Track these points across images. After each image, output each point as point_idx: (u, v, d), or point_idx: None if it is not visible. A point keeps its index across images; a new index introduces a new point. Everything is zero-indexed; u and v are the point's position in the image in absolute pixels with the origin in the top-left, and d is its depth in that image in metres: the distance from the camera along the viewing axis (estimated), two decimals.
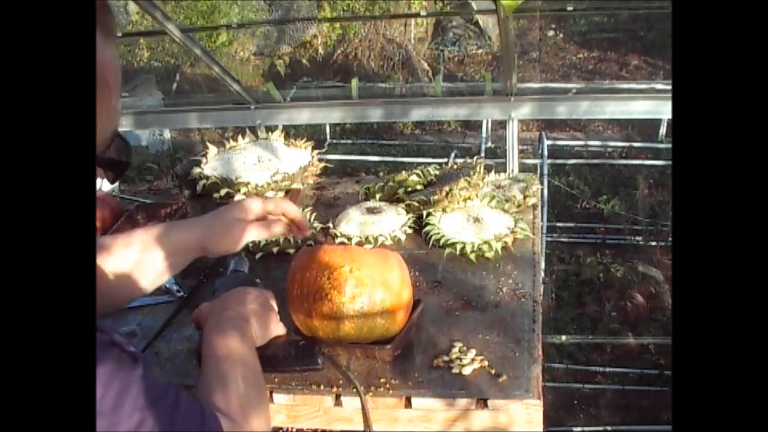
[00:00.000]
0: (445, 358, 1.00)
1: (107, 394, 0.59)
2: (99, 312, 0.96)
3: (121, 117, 0.67)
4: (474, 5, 6.44)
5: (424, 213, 1.36)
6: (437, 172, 1.51)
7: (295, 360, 0.95)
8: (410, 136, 6.41)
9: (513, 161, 2.08)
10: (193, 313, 0.96)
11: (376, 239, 1.32)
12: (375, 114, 2.25)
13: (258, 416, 0.80)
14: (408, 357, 1.02)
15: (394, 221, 1.36)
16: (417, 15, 6.75)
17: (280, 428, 1.32)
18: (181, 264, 0.98)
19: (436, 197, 1.37)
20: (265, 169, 1.49)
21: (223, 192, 1.43)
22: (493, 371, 0.97)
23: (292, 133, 3.61)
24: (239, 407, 0.77)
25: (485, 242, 1.26)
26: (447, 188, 1.38)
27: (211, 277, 1.27)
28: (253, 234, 0.98)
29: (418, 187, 1.47)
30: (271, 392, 0.97)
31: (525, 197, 1.41)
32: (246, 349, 0.86)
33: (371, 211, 1.39)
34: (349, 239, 1.32)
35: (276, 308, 0.98)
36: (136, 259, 0.94)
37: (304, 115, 2.26)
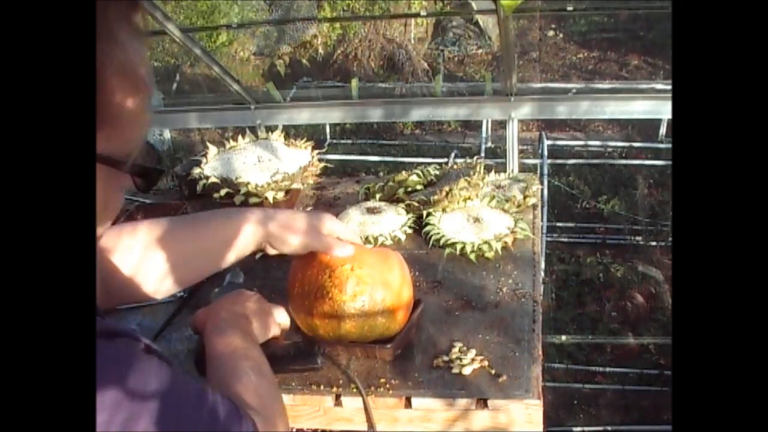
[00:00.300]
0: (445, 358, 1.00)
1: (114, 420, 0.54)
2: (166, 293, 0.96)
3: None
4: (474, 5, 6.44)
5: (424, 213, 1.36)
6: (437, 172, 1.51)
7: (295, 359, 0.95)
8: (410, 136, 6.41)
9: (513, 161, 2.08)
10: (191, 319, 0.96)
11: (376, 239, 1.32)
12: (375, 114, 2.25)
13: (277, 407, 0.79)
14: (408, 357, 1.02)
15: (394, 221, 1.36)
16: (417, 15, 6.75)
17: None
18: (243, 252, 0.97)
19: (436, 197, 1.37)
20: (265, 169, 1.49)
21: (223, 192, 1.43)
22: (493, 371, 0.97)
23: (292, 133, 3.61)
24: (258, 400, 0.76)
25: (485, 242, 1.26)
26: (447, 188, 1.38)
27: (212, 278, 1.27)
28: (321, 245, 0.97)
29: (418, 187, 1.47)
30: None
31: (525, 197, 1.41)
32: (249, 344, 0.86)
33: (371, 211, 1.39)
34: None
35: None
36: (207, 241, 0.95)
37: (304, 115, 2.26)
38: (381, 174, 4.22)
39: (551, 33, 8.10)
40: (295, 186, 1.48)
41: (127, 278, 0.90)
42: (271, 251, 0.99)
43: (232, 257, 0.97)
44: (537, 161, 3.76)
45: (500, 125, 3.98)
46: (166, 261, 0.92)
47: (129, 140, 0.58)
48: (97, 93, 0.52)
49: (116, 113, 0.56)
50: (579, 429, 3.22)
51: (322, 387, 0.98)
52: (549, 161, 3.80)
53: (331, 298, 0.95)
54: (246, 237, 0.95)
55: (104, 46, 0.54)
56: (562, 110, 2.07)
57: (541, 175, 3.51)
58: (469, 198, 1.40)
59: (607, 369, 3.46)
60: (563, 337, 3.46)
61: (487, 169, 1.52)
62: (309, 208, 1.46)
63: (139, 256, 0.90)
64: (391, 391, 0.96)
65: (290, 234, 0.96)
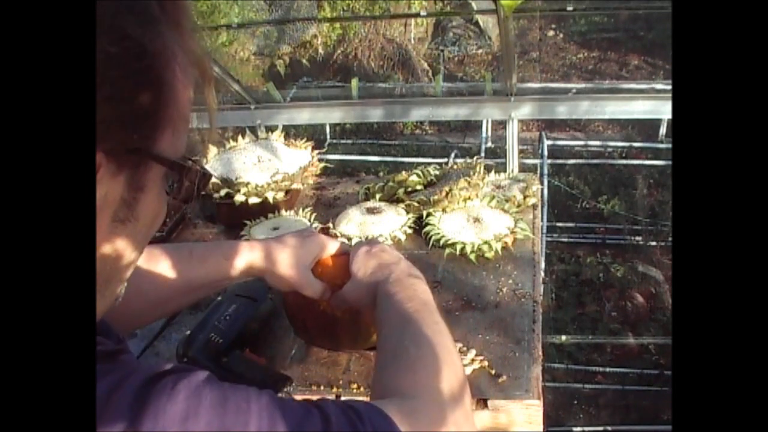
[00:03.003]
0: None
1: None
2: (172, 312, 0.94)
3: None
4: (474, 5, 6.45)
5: (424, 213, 1.36)
6: (437, 172, 1.51)
7: (258, 386, 0.95)
8: (410, 136, 6.41)
9: (513, 161, 2.08)
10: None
11: (376, 240, 1.32)
12: (375, 114, 2.25)
13: (440, 385, 0.67)
14: None
15: (394, 221, 1.36)
16: (417, 15, 6.75)
17: None
18: (235, 279, 0.94)
19: (436, 197, 1.37)
20: (265, 169, 1.49)
21: (223, 192, 1.43)
22: (493, 371, 0.97)
23: (292, 133, 3.61)
24: (413, 381, 0.67)
25: (485, 242, 1.26)
26: (447, 188, 1.38)
27: None
28: (305, 287, 0.92)
29: (418, 187, 1.47)
30: None
31: (525, 197, 1.41)
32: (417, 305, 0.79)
33: (371, 211, 1.39)
34: (349, 239, 1.32)
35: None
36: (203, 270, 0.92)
37: (304, 115, 2.26)
38: (381, 174, 4.22)
39: (551, 33, 8.09)
40: (295, 186, 1.48)
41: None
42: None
43: (216, 290, 0.97)
44: (537, 161, 3.76)
45: (500, 125, 3.98)
46: (156, 294, 0.89)
47: (185, 142, 0.54)
48: (163, 88, 0.49)
49: (184, 111, 0.52)
50: (579, 429, 3.22)
51: (322, 387, 0.98)
52: (549, 161, 3.79)
53: (323, 311, 0.95)
54: (237, 276, 0.93)
55: (176, 35, 0.50)
56: (562, 110, 2.08)
57: (541, 175, 3.51)
58: (469, 198, 1.39)
59: (607, 369, 3.46)
60: (563, 337, 3.46)
61: (487, 169, 1.52)
62: (308, 208, 1.46)
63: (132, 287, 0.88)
64: None
65: (279, 277, 0.93)
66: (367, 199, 1.49)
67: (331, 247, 0.96)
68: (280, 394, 0.90)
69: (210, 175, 0.57)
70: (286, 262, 0.92)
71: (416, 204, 1.39)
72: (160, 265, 0.89)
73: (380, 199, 1.46)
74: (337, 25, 7.28)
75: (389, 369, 0.70)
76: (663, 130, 4.69)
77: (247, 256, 0.92)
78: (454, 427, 0.64)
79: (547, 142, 3.82)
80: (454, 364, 0.72)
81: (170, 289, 0.90)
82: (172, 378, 0.49)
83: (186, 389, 0.49)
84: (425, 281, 0.87)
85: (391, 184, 1.48)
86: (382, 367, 0.72)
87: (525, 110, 2.03)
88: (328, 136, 5.44)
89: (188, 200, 0.56)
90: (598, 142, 5.48)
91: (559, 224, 4.50)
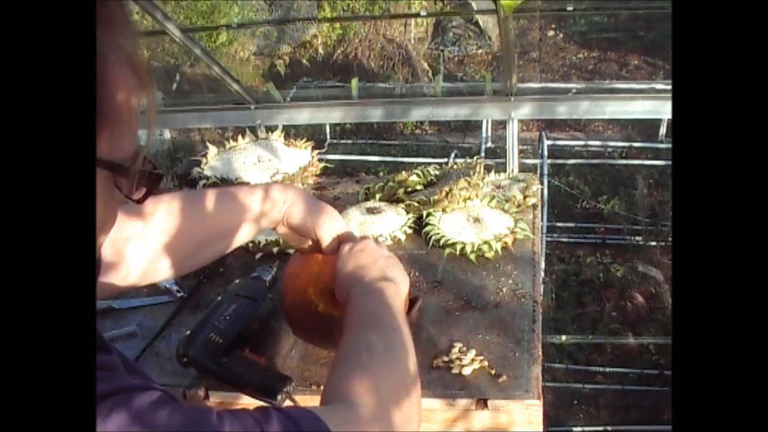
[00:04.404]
0: (445, 359, 1.00)
1: None
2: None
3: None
4: (474, 5, 6.44)
5: (424, 213, 1.36)
6: (437, 172, 1.51)
7: (256, 388, 0.95)
8: (410, 136, 6.41)
9: (513, 161, 2.08)
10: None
11: (376, 239, 1.31)
12: (375, 114, 2.25)
13: (389, 393, 0.70)
14: None
15: (394, 221, 1.36)
16: (417, 15, 6.75)
17: None
18: (259, 231, 0.95)
19: (436, 197, 1.37)
20: (265, 169, 1.49)
21: None
22: (493, 371, 0.97)
23: (292, 133, 3.60)
24: (363, 387, 0.69)
25: (485, 242, 1.26)
26: (447, 188, 1.38)
27: (212, 278, 1.27)
28: (325, 238, 0.94)
29: (418, 187, 1.47)
30: None
31: (525, 197, 1.41)
32: (382, 312, 0.81)
33: (371, 211, 1.39)
34: None
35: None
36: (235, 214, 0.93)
37: (304, 115, 2.26)
38: (381, 174, 4.22)
39: (551, 33, 8.09)
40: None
41: (151, 257, 0.86)
42: (281, 229, 0.96)
43: (248, 237, 0.96)
44: (537, 161, 3.75)
45: (500, 125, 3.98)
46: (190, 238, 0.89)
47: (132, 143, 0.54)
48: (98, 89, 0.48)
49: (120, 112, 0.51)
50: (579, 429, 3.22)
51: (322, 387, 0.98)
52: (549, 161, 3.79)
53: (319, 311, 0.95)
54: (269, 217, 0.93)
55: (108, 35, 0.49)
56: (562, 110, 2.08)
57: (541, 175, 3.50)
58: (469, 198, 1.40)
59: (607, 369, 3.46)
60: (563, 337, 3.46)
61: (487, 169, 1.52)
62: None
63: (162, 233, 0.86)
64: None
65: (305, 213, 0.93)
66: (367, 199, 1.49)
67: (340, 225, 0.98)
68: (279, 395, 0.90)
69: (160, 175, 0.58)
70: (314, 203, 0.95)
71: (416, 204, 1.39)
72: (202, 205, 0.90)
73: (380, 199, 1.46)
74: (337, 25, 7.28)
75: (339, 371, 0.73)
76: (663, 130, 4.68)
77: (279, 186, 0.94)
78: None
79: (547, 142, 3.81)
80: (404, 369, 0.74)
81: (219, 226, 0.91)
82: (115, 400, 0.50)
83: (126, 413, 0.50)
84: (401, 283, 0.88)
85: (391, 184, 1.48)
86: (334, 368, 0.75)
87: (525, 110, 2.03)
88: (328, 136, 5.44)
89: (140, 201, 0.58)
90: (598, 142, 5.47)
91: (559, 224, 4.50)
